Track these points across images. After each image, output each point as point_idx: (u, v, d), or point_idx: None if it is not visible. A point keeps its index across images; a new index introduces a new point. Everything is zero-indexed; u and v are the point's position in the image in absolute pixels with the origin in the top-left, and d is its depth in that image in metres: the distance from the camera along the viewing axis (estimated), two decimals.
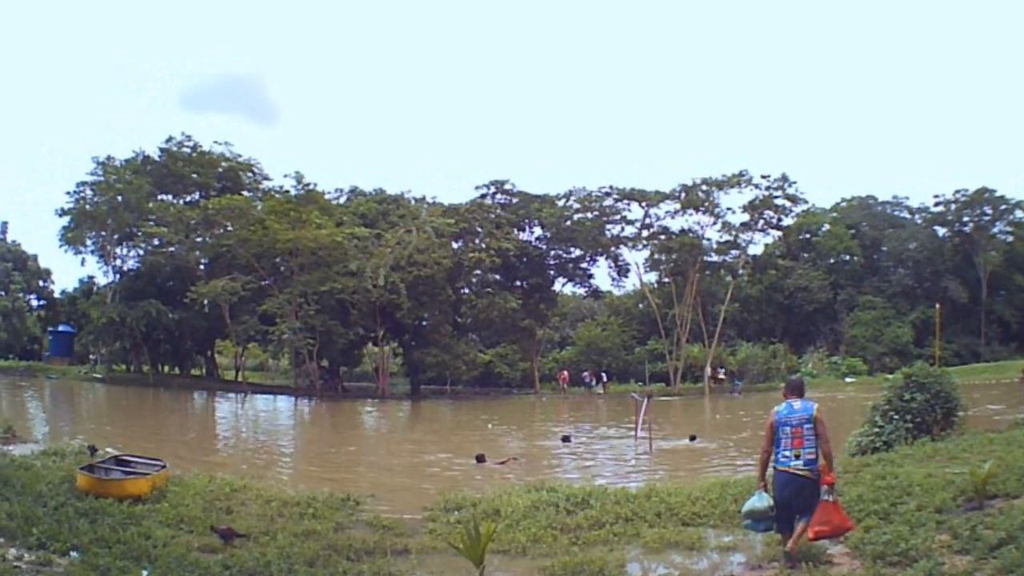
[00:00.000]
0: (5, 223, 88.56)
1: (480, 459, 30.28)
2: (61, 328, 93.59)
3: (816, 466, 11.97)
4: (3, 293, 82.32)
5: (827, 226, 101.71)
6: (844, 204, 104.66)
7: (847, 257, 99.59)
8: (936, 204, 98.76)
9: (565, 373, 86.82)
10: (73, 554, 12.14)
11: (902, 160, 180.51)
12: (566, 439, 39.01)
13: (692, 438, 37.48)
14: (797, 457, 11.98)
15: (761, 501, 12.30)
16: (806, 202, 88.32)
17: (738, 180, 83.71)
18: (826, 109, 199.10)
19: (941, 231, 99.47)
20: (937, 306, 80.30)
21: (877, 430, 22.79)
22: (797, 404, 12.28)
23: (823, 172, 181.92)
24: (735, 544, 14.09)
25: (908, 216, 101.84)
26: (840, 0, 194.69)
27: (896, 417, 22.81)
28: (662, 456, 33.72)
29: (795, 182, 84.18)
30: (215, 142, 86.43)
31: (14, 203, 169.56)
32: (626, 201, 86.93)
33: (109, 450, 24.48)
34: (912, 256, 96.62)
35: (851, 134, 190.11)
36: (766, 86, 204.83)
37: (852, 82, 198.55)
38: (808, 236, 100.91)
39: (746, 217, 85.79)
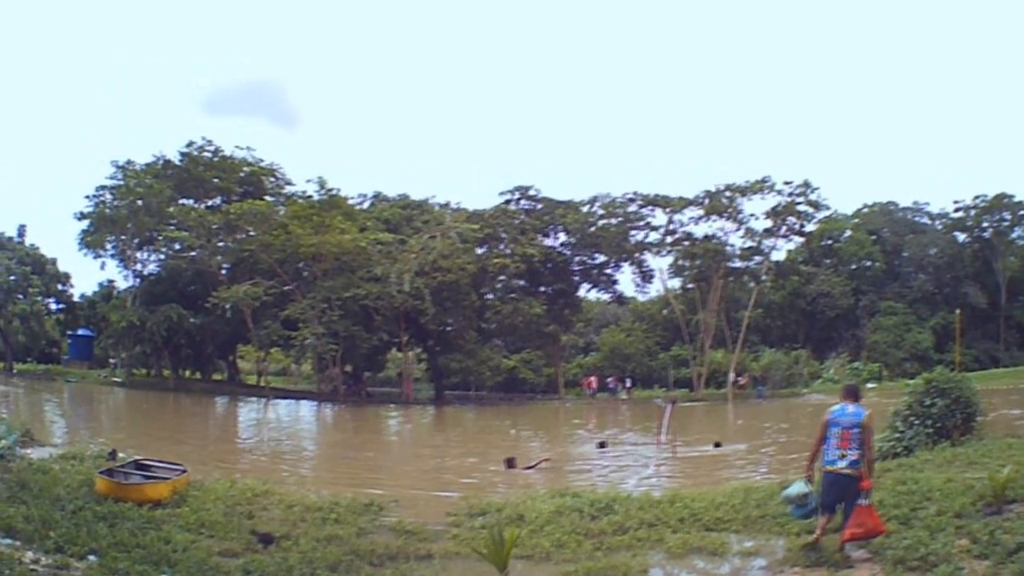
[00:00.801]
0: (23, 226, 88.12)
1: (510, 463, 29.99)
2: (80, 332, 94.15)
3: (859, 467, 12.49)
4: (21, 296, 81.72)
5: (849, 232, 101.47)
6: (866, 210, 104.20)
7: (868, 263, 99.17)
8: (956, 210, 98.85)
9: (593, 379, 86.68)
10: (91, 558, 11.94)
11: (922, 166, 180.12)
12: (602, 445, 38.50)
13: (717, 444, 37.21)
14: (842, 457, 12.56)
15: (800, 488, 13.17)
16: (828, 208, 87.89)
17: (761, 186, 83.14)
18: (847, 115, 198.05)
19: (961, 237, 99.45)
20: (957, 311, 79.63)
21: (898, 435, 22.67)
22: (851, 408, 12.88)
23: (844, 178, 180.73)
24: (757, 549, 14.21)
25: (928, 222, 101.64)
26: (862, 9, 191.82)
27: (917, 422, 22.81)
28: (686, 461, 33.47)
29: (817, 188, 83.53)
30: (237, 147, 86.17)
31: (32, 207, 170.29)
32: (650, 207, 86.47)
33: (123, 455, 24.25)
34: (932, 262, 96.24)
35: (872, 140, 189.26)
36: (788, 92, 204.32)
37: (872, 88, 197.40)
38: (830, 242, 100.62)
39: (769, 223, 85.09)
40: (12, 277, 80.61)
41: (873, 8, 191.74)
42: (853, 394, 13.21)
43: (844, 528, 12.50)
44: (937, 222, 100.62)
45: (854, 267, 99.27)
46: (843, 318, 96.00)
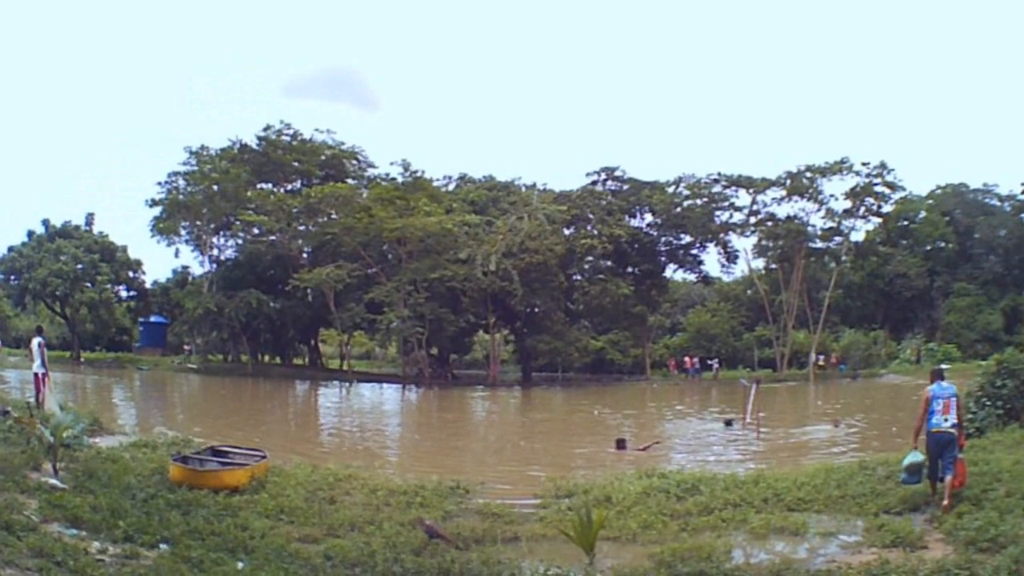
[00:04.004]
0: (91, 214, 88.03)
1: (620, 445, 29.70)
2: (153, 319, 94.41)
3: (957, 427, 15.33)
4: (89, 284, 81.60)
5: (923, 213, 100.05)
6: (939, 192, 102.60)
7: (942, 244, 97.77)
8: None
9: (696, 359, 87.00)
10: (163, 546, 11.86)
11: (991, 147, 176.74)
12: (729, 423, 38.34)
13: (836, 423, 37.76)
14: (946, 420, 15.27)
15: (915, 457, 15.53)
16: (904, 189, 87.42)
17: (840, 167, 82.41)
18: (919, 95, 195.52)
19: None
20: None
21: (971, 416, 21.92)
22: (944, 384, 15.73)
23: (918, 159, 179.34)
24: (836, 529, 14.55)
25: (998, 203, 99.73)
26: None
27: (988, 404, 22.73)
28: (772, 441, 33.24)
29: (893, 169, 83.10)
30: (316, 130, 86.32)
31: (102, 194, 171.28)
32: (734, 188, 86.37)
33: (199, 441, 24.17)
34: (1002, 243, 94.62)
35: (944, 120, 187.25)
36: (863, 72, 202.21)
37: (943, 69, 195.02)
38: (906, 223, 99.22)
39: (848, 204, 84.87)
40: (79, 265, 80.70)
41: None
42: (940, 375, 16.04)
43: (953, 479, 14.72)
44: (1006, 204, 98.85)
45: (929, 248, 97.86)
46: (919, 299, 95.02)
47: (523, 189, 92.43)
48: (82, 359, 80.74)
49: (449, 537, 14.36)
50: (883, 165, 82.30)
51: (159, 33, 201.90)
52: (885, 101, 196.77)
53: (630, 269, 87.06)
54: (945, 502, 14.51)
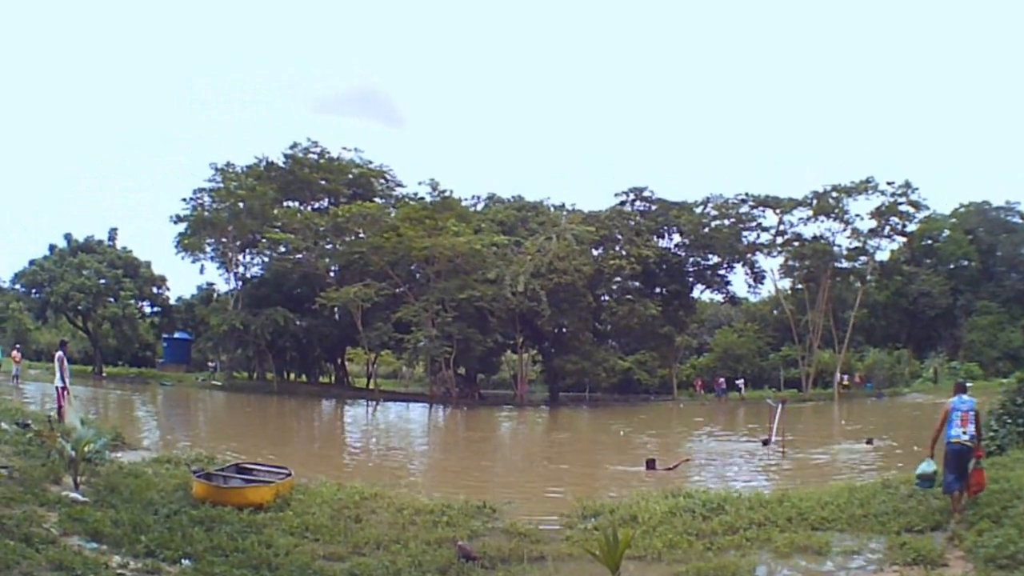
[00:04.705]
0: (114, 229, 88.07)
1: (650, 465, 29.57)
2: (177, 335, 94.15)
3: (974, 440, 15.95)
4: (112, 299, 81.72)
5: (947, 232, 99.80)
6: (962, 210, 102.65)
7: (965, 262, 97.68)
8: None
9: (722, 380, 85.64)
10: (185, 562, 11.97)
11: (1014, 164, 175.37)
12: (766, 442, 37.77)
13: (869, 441, 38.24)
14: (964, 432, 15.88)
15: (929, 467, 16.40)
16: (928, 208, 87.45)
17: (865, 187, 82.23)
18: (941, 113, 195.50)
19: None
20: None
21: (992, 434, 22.12)
22: (965, 397, 16.31)
23: (941, 177, 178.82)
24: (859, 547, 14.64)
25: (1020, 221, 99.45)
26: (954, 10, 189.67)
27: (1009, 421, 22.66)
28: (802, 460, 33.39)
29: (917, 188, 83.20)
30: (344, 148, 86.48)
31: (125, 210, 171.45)
32: (761, 208, 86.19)
33: (223, 458, 24.24)
34: None
35: (966, 138, 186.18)
36: (883, 91, 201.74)
37: (965, 88, 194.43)
38: (930, 242, 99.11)
39: (873, 223, 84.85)
40: (102, 280, 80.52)
41: (965, 9, 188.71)
42: (963, 389, 16.77)
43: (968, 488, 15.50)
44: None
45: (952, 267, 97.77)
46: (942, 317, 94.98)
47: (551, 209, 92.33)
48: (104, 374, 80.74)
49: (484, 561, 14.24)
50: (907, 184, 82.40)
51: (185, 51, 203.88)
52: (907, 119, 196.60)
53: (658, 289, 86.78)
54: (954, 507, 15.52)
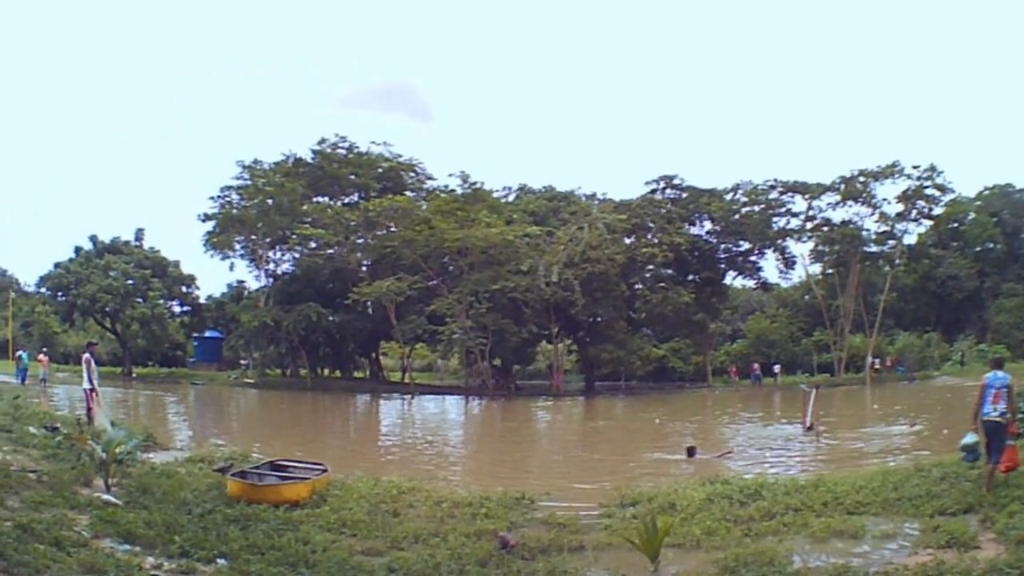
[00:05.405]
0: (140, 230, 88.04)
1: (691, 452, 29.54)
2: (208, 333, 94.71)
3: (1007, 416, 16.23)
4: (141, 300, 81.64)
5: (972, 215, 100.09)
6: (987, 192, 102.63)
7: (991, 245, 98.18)
8: None
9: (757, 366, 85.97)
10: (220, 561, 11.91)
11: None
12: (810, 428, 36.72)
13: (912, 424, 38.18)
14: (995, 410, 16.25)
15: (971, 438, 16.76)
16: (953, 191, 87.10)
17: (891, 171, 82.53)
18: (964, 94, 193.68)
19: None
20: None
21: (1022, 416, 21.83)
22: (1000, 373, 16.67)
23: (967, 160, 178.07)
24: (894, 531, 14.64)
25: None
26: None
27: None
28: (832, 445, 33.02)
29: (942, 171, 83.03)
30: (373, 143, 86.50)
31: (152, 210, 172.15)
32: (790, 193, 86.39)
33: (257, 456, 24.26)
34: None
35: (990, 120, 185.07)
36: (906, 72, 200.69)
37: (988, 70, 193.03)
38: (956, 225, 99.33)
39: (900, 207, 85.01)
40: (130, 281, 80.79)
41: None
42: (999, 364, 17.31)
43: (999, 463, 15.86)
44: None
45: (978, 249, 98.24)
46: (970, 300, 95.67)
47: (583, 199, 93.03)
48: (134, 375, 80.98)
49: (523, 552, 14.21)
50: (933, 168, 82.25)
51: (209, 49, 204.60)
52: (930, 102, 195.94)
53: (690, 277, 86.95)
54: (986, 482, 15.88)
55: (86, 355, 26.34)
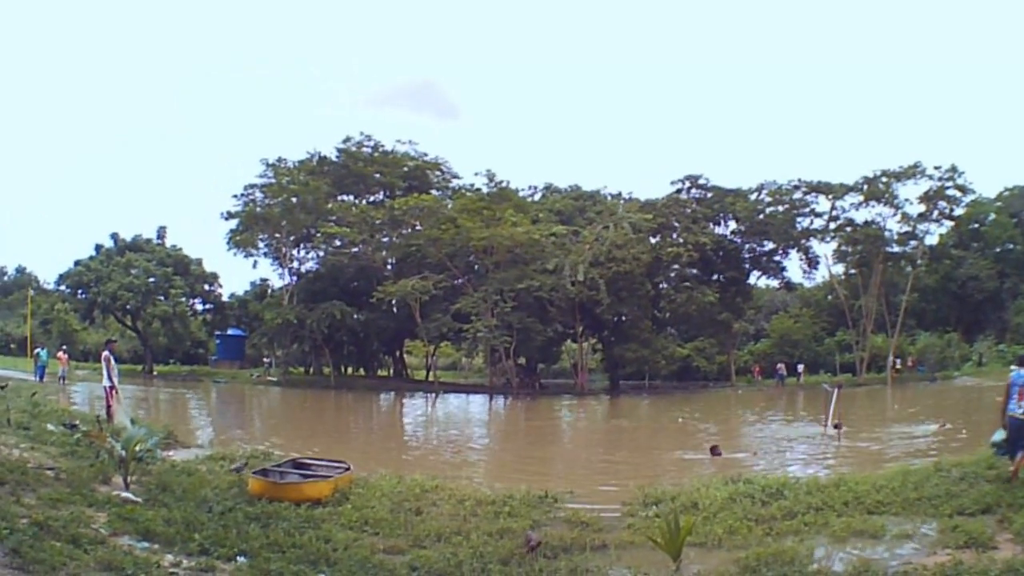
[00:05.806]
0: (162, 228, 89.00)
1: (715, 451, 29.53)
2: (231, 331, 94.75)
3: None
4: (162, 298, 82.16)
5: (992, 215, 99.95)
6: (1007, 193, 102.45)
7: (1011, 246, 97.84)
8: None
9: (781, 365, 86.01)
10: (240, 559, 11.73)
11: None
12: (837, 426, 36.13)
13: (941, 424, 37.21)
14: (1020, 407, 16.09)
15: (1000, 435, 16.65)
16: (974, 192, 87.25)
17: (913, 171, 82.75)
18: (984, 94, 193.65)
19: None
20: None
21: None
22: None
23: (986, 160, 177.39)
24: (913, 531, 14.41)
25: None
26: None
27: None
28: (853, 445, 32.84)
29: (964, 172, 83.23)
30: (398, 141, 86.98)
31: (175, 208, 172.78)
32: (814, 194, 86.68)
33: (279, 454, 24.25)
34: None
35: (1008, 121, 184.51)
36: (931, 74, 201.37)
37: (1007, 69, 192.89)
38: (976, 225, 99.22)
39: (922, 208, 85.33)
40: (151, 279, 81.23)
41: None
42: (1023, 361, 16.89)
43: (1020, 459, 15.73)
44: None
45: (998, 250, 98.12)
46: (990, 301, 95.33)
47: (608, 198, 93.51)
48: (155, 372, 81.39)
49: (545, 551, 14.11)
50: (954, 168, 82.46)
51: (233, 47, 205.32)
52: (952, 102, 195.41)
53: (715, 276, 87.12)
54: (1012, 468, 15.94)
55: (105, 352, 26.32)
